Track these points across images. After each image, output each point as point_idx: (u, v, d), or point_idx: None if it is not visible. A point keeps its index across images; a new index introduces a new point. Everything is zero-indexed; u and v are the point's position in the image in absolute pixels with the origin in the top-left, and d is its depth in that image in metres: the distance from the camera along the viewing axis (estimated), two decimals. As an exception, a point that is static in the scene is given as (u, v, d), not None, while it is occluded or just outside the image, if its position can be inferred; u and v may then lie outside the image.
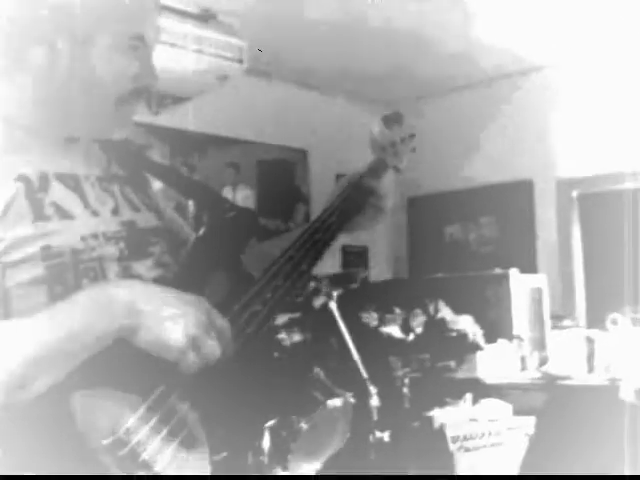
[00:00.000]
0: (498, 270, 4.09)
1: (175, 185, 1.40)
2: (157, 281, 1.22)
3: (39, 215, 1.16)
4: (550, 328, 4.21)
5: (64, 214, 1.19)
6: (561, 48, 4.63)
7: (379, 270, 5.37)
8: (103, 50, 1.22)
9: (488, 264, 4.55)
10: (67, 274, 1.15)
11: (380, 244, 5.42)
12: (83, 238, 1.19)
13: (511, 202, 5.01)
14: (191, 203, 3.35)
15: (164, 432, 1.11)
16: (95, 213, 1.23)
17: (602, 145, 4.74)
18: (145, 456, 1.08)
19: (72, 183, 1.23)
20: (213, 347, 1.10)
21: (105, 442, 1.06)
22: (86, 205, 1.23)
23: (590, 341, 3.65)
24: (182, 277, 1.24)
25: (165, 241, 1.30)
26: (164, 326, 1.08)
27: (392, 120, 1.68)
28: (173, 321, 1.08)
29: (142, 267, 1.24)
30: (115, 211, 1.26)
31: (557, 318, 4.41)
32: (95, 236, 1.20)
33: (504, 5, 3.95)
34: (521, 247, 4.92)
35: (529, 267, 4.71)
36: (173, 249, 1.31)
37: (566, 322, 4.37)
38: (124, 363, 1.09)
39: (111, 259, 1.21)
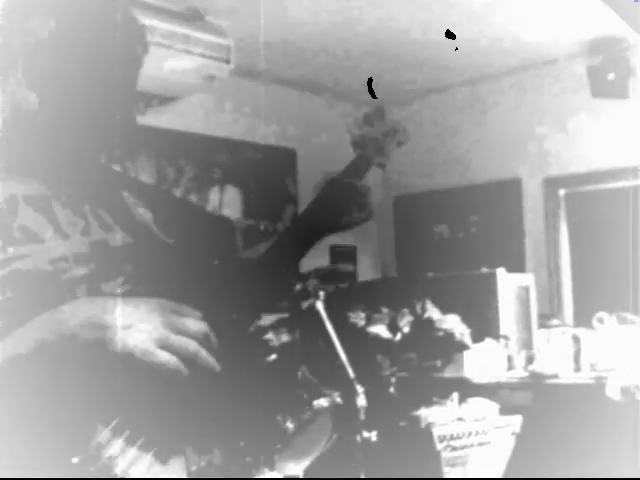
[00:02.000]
0: (485, 269, 4.10)
1: (147, 200, 1.38)
2: (126, 295, 1.21)
3: (8, 239, 1.15)
4: (537, 327, 4.23)
5: (33, 237, 1.18)
6: (547, 48, 4.65)
7: (367, 269, 5.38)
8: None
9: (476, 263, 4.56)
10: (36, 298, 1.14)
11: (368, 243, 5.42)
12: (52, 261, 1.17)
13: (499, 201, 5.02)
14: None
15: (138, 444, 1.10)
16: (65, 235, 1.22)
17: (589, 144, 4.76)
18: (118, 471, 1.07)
19: (42, 205, 1.22)
20: (183, 342, 1.09)
21: (75, 460, 1.05)
22: (56, 227, 1.22)
23: (576, 340, 3.66)
24: (153, 286, 1.23)
25: (139, 257, 1.28)
26: (128, 335, 1.07)
27: (373, 116, 1.63)
28: (135, 328, 1.08)
29: (112, 286, 1.22)
30: (86, 232, 1.25)
31: (544, 317, 4.43)
32: (65, 259, 1.19)
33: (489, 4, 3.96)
34: (509, 246, 4.93)
35: (517, 266, 4.73)
36: (147, 264, 1.30)
37: (554, 321, 4.39)
38: (94, 374, 1.09)
39: (81, 281, 1.19)
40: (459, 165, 5.17)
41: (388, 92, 5.17)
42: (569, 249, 4.86)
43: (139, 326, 1.08)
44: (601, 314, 3.78)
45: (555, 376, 3.67)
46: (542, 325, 4.33)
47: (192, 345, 1.10)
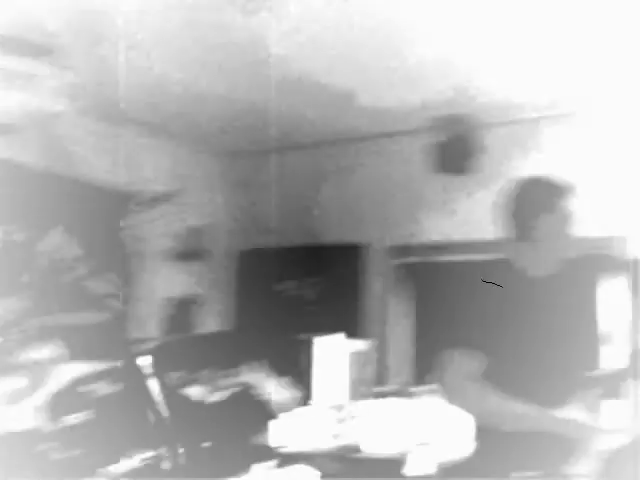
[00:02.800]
0: (303, 335, 4.04)
1: None
2: None
3: None
4: (364, 395, 4.19)
5: None
6: (399, 119, 4.72)
7: (207, 322, 5.26)
8: None
9: (318, 324, 4.53)
10: None
11: (209, 296, 5.31)
12: None
13: (341, 264, 5.02)
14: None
15: None
16: None
17: (431, 215, 4.85)
18: None
19: None
20: None
21: None
22: None
23: (395, 410, 3.62)
24: None
25: None
26: None
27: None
28: None
29: None
30: None
31: (375, 384, 4.41)
32: None
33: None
34: (347, 309, 4.92)
35: (354, 330, 4.72)
36: None
37: (383, 389, 4.37)
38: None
39: None
40: (306, 224, 5.15)
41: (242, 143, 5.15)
42: (406, 316, 4.90)
43: None
44: (423, 386, 3.78)
45: (365, 448, 3.61)
46: (371, 393, 4.30)
47: None
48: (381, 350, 4.68)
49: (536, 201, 2.31)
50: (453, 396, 2.12)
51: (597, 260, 2.54)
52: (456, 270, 4.62)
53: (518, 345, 2.10)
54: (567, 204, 2.35)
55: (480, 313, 2.18)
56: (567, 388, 2.14)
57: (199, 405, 3.58)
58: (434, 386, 2.17)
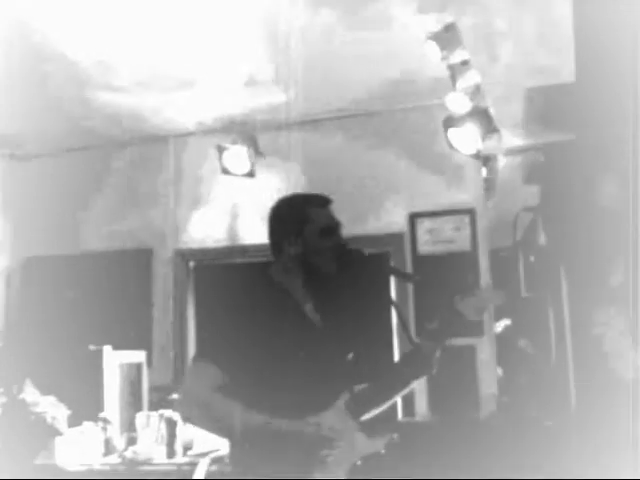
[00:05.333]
0: (92, 347, 3.92)
1: None
2: None
3: None
4: (150, 405, 4.12)
5: None
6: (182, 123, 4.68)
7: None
8: None
9: (98, 335, 4.38)
10: None
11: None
12: None
13: (129, 270, 4.88)
14: None
15: None
16: None
17: (218, 219, 4.84)
18: None
19: None
20: None
21: None
22: None
23: (171, 423, 3.58)
24: None
25: None
26: None
27: None
28: None
29: None
30: None
31: (162, 392, 4.33)
32: None
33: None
34: (136, 317, 4.79)
35: (142, 338, 4.63)
36: None
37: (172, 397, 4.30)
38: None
39: None
40: (86, 231, 4.99)
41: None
42: (195, 321, 4.85)
43: None
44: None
45: (149, 461, 3.56)
46: (159, 401, 4.23)
47: None
48: (161, 358, 4.62)
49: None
50: (187, 408, 2.09)
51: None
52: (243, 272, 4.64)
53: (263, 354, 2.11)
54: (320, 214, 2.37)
55: (225, 323, 2.16)
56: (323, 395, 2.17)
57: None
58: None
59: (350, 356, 2.33)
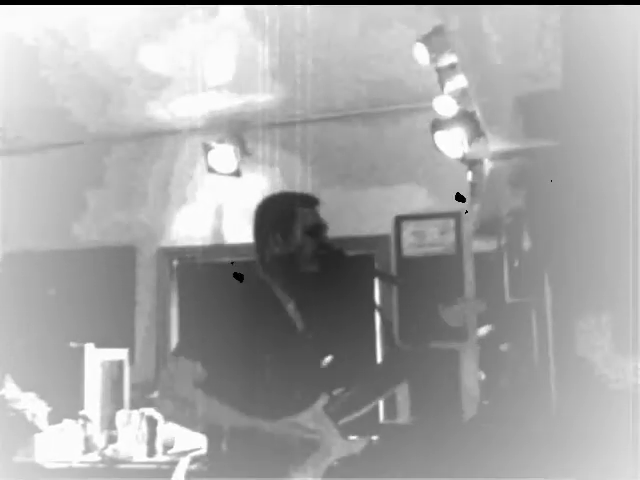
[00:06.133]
0: (73, 344, 3.89)
1: None
2: None
3: None
4: (131, 404, 4.10)
5: None
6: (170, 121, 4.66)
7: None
8: None
9: (80, 333, 4.34)
10: None
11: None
12: None
13: (113, 268, 4.86)
14: None
15: None
16: None
17: (204, 218, 4.82)
18: None
19: None
20: None
21: None
22: None
23: (152, 422, 3.56)
24: None
25: None
26: None
27: None
28: None
29: None
30: None
31: (144, 390, 4.30)
32: None
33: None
34: (119, 315, 4.77)
35: (125, 336, 4.60)
36: None
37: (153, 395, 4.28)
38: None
39: None
40: (75, 226, 4.96)
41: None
42: (178, 320, 4.83)
43: None
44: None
45: (129, 460, 3.54)
46: (141, 399, 4.20)
47: None
48: (144, 356, 4.60)
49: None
50: (167, 403, 2.07)
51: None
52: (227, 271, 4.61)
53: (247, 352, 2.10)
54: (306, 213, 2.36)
55: (207, 319, 2.15)
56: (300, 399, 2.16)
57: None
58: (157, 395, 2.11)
59: (328, 359, 2.32)
